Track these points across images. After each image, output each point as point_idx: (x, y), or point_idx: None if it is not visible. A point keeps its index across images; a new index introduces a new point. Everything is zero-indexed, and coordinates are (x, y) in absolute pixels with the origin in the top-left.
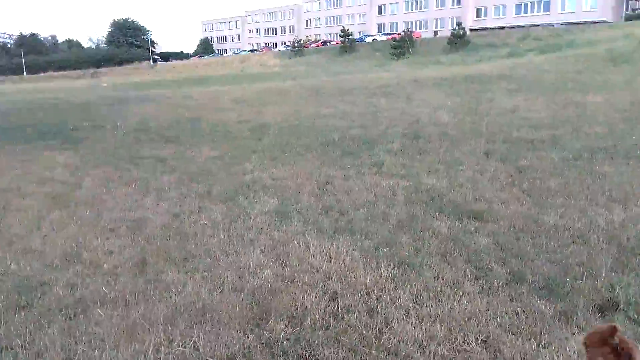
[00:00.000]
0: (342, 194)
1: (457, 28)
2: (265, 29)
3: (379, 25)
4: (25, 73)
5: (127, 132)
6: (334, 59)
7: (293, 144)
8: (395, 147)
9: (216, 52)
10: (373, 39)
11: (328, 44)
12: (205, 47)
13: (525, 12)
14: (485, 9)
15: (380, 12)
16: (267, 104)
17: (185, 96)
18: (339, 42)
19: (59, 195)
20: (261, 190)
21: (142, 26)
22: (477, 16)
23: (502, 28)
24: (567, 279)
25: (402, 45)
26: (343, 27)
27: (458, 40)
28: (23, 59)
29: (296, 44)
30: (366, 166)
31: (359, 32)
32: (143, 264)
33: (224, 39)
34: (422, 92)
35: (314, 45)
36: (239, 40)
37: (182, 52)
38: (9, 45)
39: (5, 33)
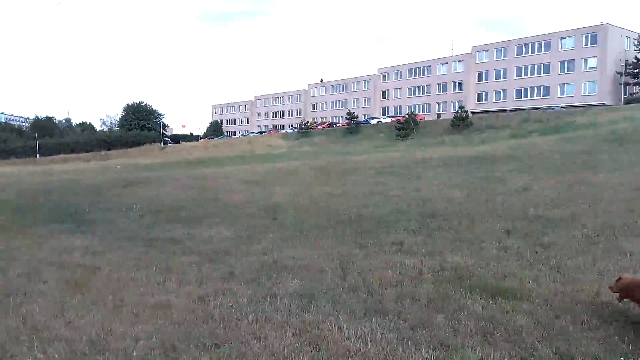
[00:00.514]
0: (366, 272)
1: (459, 111)
2: (273, 112)
3: (383, 109)
4: (38, 155)
5: (142, 214)
6: (339, 140)
7: (308, 223)
8: (412, 226)
9: (225, 134)
10: (378, 121)
11: (334, 125)
12: (215, 129)
13: (525, 96)
14: (486, 93)
15: (384, 97)
16: (277, 184)
17: (196, 177)
18: (345, 124)
19: (79, 279)
20: (283, 271)
21: (155, 110)
22: (479, 100)
23: (504, 111)
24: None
25: (406, 127)
26: (349, 110)
27: (461, 122)
28: (37, 142)
29: (303, 126)
30: (386, 245)
31: (364, 115)
32: (173, 350)
33: (233, 121)
34: (430, 171)
35: (320, 127)
36: (247, 122)
37: (191, 134)
38: (24, 129)
39: (20, 117)
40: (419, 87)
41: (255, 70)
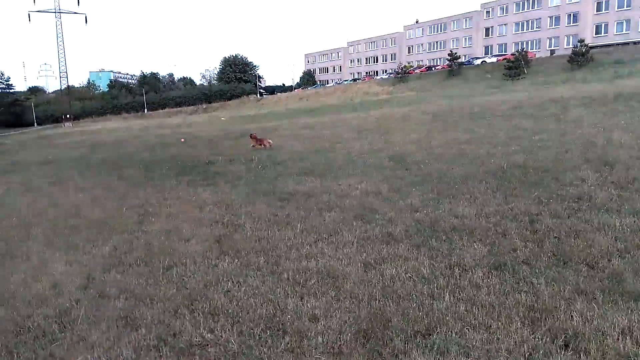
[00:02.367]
0: (566, 237)
1: (578, 45)
2: (366, 58)
3: (486, 48)
4: (145, 110)
5: (263, 165)
6: (441, 84)
7: (451, 174)
8: (589, 176)
9: (318, 83)
10: (482, 62)
11: (433, 69)
12: (308, 79)
13: None
14: (606, 25)
15: (487, 34)
16: (392, 132)
17: (303, 127)
18: (445, 67)
19: (222, 238)
20: (452, 232)
21: (250, 62)
22: (597, 33)
23: (627, 44)
24: None
25: (517, 66)
26: (450, 50)
27: (580, 58)
28: (144, 97)
29: (400, 70)
30: (569, 199)
31: (465, 56)
32: (365, 336)
33: (325, 70)
34: (571, 113)
35: (417, 71)
36: (340, 70)
37: (284, 85)
38: (132, 86)
39: (127, 74)
40: (527, 21)
41: (347, 17)
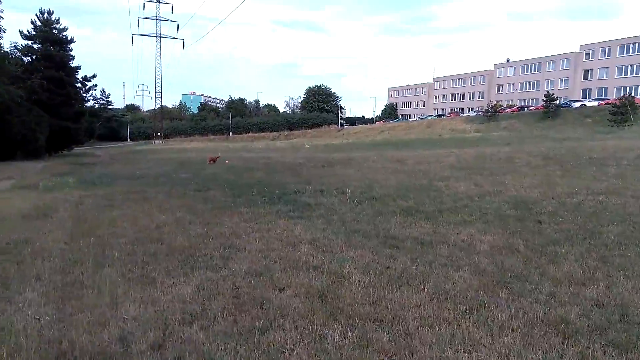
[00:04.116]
0: None
1: None
2: (452, 95)
3: (584, 91)
4: (230, 133)
5: (357, 199)
6: (534, 125)
7: (603, 233)
8: None
9: (400, 117)
10: (581, 104)
11: (525, 109)
12: (390, 112)
13: None
14: None
15: (585, 77)
16: (498, 173)
17: (393, 160)
18: (540, 107)
19: (326, 292)
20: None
21: (334, 93)
22: None
23: None
24: None
25: (623, 112)
26: (547, 91)
27: None
28: (230, 121)
29: (490, 109)
30: None
31: (560, 98)
32: None
33: (408, 104)
34: None
35: (508, 110)
36: (424, 105)
37: (363, 117)
38: (219, 109)
39: (216, 98)
40: (632, 65)
41: (432, 53)
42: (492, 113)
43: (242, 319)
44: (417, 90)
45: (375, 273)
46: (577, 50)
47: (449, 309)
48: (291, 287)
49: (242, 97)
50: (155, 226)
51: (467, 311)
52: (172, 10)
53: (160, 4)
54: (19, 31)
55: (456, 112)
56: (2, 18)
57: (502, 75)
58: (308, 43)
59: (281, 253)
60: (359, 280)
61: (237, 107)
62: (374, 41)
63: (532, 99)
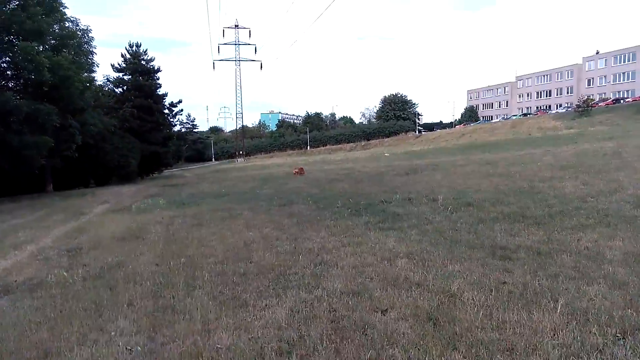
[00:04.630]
0: None
1: None
2: (537, 92)
3: None
4: (308, 147)
5: (450, 206)
6: (633, 118)
7: None
8: None
9: (481, 119)
10: None
11: (622, 101)
12: (470, 115)
13: None
14: None
15: None
16: (608, 170)
17: (482, 163)
18: (639, 99)
19: (436, 314)
20: None
21: (410, 100)
22: None
23: None
24: None
25: None
26: None
27: None
28: (307, 135)
29: (582, 104)
30: None
31: None
32: None
33: (489, 105)
34: None
35: (602, 104)
36: (507, 105)
37: (441, 122)
38: (297, 125)
39: (294, 115)
40: None
41: (512, 52)
42: (585, 108)
43: (344, 348)
44: (499, 90)
45: (490, 290)
46: None
47: (594, 334)
48: (395, 309)
49: (319, 111)
50: (243, 244)
51: (620, 335)
52: (250, 34)
53: (239, 29)
54: (111, 65)
55: (543, 109)
56: (96, 53)
57: (591, 68)
58: (382, 51)
59: (377, 269)
60: (472, 299)
61: (313, 121)
62: (450, 43)
63: (626, 91)
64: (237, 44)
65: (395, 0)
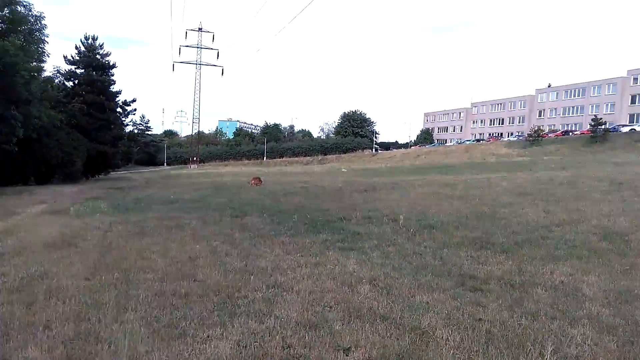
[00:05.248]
0: None
1: None
2: (490, 119)
3: (631, 116)
4: (264, 158)
5: (412, 228)
6: (581, 150)
7: None
8: None
9: (435, 141)
10: (631, 129)
11: (570, 133)
12: (425, 137)
13: None
14: None
15: (633, 102)
16: (567, 200)
17: (441, 184)
18: (586, 132)
19: (407, 357)
20: None
21: (368, 117)
22: None
23: None
24: None
25: None
26: (595, 115)
27: None
28: (265, 146)
29: (534, 133)
30: None
31: (605, 123)
32: None
33: (444, 129)
34: None
35: (551, 135)
36: (461, 130)
37: (397, 142)
38: (254, 134)
39: (252, 124)
40: None
41: (469, 78)
42: (536, 137)
43: None
44: (454, 114)
45: (465, 328)
46: (625, 75)
47: None
48: (359, 347)
49: (277, 122)
50: (188, 258)
51: None
52: (213, 39)
53: (202, 32)
54: (64, 56)
55: (495, 136)
56: (47, 42)
57: (543, 100)
58: (344, 68)
59: (337, 295)
60: (447, 339)
61: (271, 132)
62: (409, 66)
63: (575, 124)
64: (199, 47)
65: (358, 19)
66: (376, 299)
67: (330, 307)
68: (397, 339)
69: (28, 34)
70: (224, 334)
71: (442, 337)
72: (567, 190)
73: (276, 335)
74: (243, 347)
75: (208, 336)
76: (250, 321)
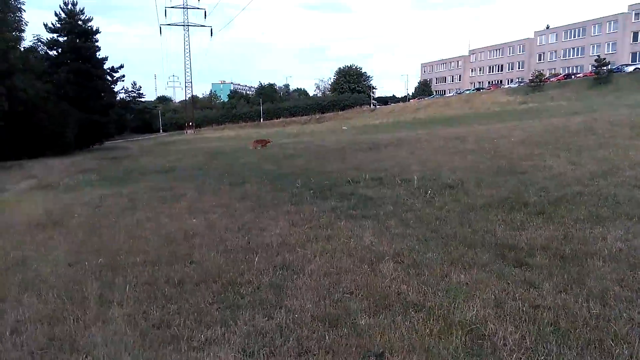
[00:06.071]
0: None
1: None
2: (489, 67)
3: (634, 54)
4: (261, 119)
5: (429, 189)
6: (586, 93)
7: None
8: None
9: (435, 93)
10: (635, 69)
11: (573, 76)
12: (424, 89)
13: None
14: None
15: (635, 39)
16: (590, 148)
17: (450, 138)
18: (589, 74)
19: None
20: None
21: (364, 72)
22: None
23: None
24: None
25: None
26: (598, 56)
27: None
28: (261, 107)
29: (535, 79)
30: None
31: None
32: None
33: (443, 79)
34: None
35: (553, 79)
36: (460, 80)
37: (394, 96)
38: (250, 96)
39: (246, 86)
40: None
41: (466, 25)
42: (538, 83)
43: None
44: (452, 64)
45: (521, 319)
46: (626, 10)
47: None
48: (395, 353)
49: (272, 82)
50: (184, 236)
51: None
52: None
53: None
54: (44, 24)
55: (495, 84)
56: (24, 10)
57: (543, 43)
58: (335, 24)
59: (357, 277)
60: (504, 337)
61: (267, 92)
62: (404, 18)
63: (576, 66)
64: (185, 7)
65: None
66: (404, 280)
67: (351, 293)
68: (440, 339)
69: (3, 3)
70: (226, 336)
71: (498, 335)
72: (587, 138)
73: (290, 337)
74: (249, 355)
75: (206, 339)
76: (257, 316)
